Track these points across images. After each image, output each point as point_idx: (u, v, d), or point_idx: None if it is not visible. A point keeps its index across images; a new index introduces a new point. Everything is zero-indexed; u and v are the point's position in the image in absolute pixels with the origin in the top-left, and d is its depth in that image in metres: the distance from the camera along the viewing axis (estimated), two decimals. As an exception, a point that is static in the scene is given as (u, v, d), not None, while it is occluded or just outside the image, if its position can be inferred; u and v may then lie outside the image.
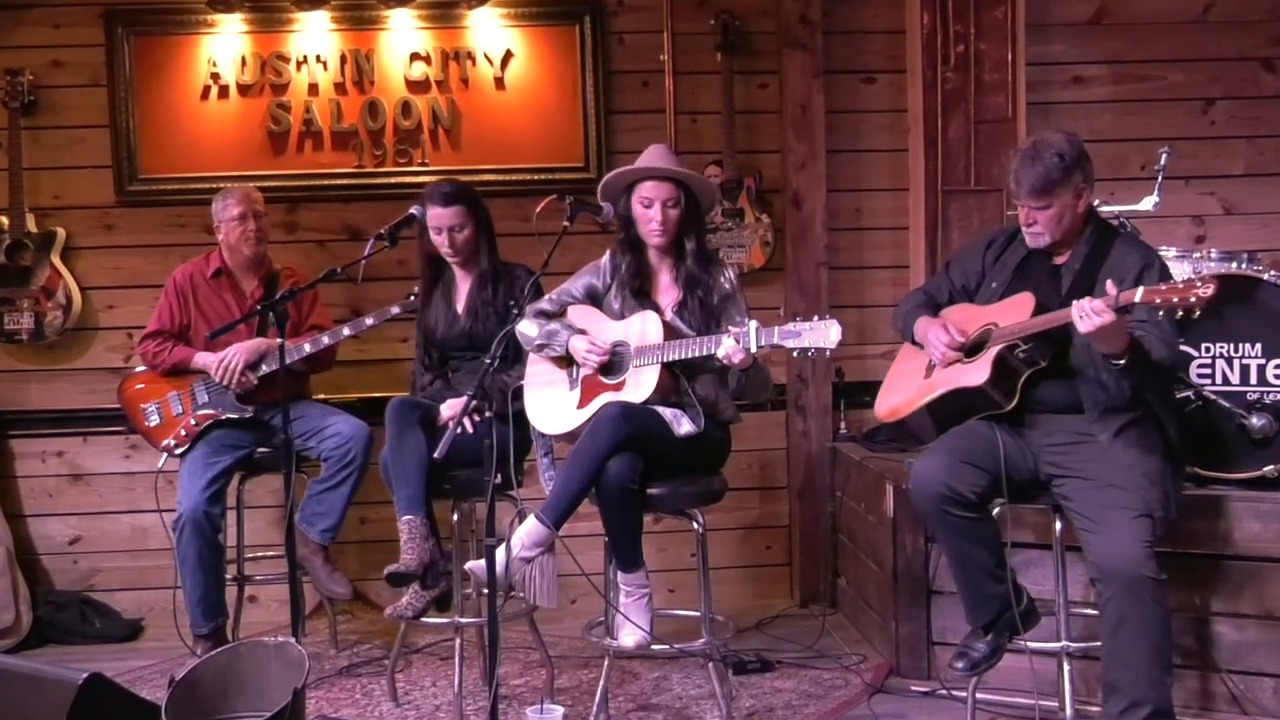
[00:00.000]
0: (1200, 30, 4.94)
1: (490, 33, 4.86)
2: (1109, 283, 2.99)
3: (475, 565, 3.41)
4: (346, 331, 4.14)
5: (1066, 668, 3.32)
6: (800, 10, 4.82)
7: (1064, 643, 3.34)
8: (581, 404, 3.59)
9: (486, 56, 4.87)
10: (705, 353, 3.43)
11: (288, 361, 3.74)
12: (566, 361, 3.68)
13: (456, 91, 4.87)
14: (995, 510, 3.31)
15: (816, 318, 3.30)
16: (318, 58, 4.83)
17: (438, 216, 3.89)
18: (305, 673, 3.00)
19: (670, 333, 3.53)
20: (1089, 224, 3.32)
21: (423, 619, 3.76)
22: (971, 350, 3.31)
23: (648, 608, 3.50)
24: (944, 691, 3.82)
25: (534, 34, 4.88)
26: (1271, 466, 3.61)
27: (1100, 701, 3.26)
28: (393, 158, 4.86)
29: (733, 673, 4.04)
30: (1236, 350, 3.71)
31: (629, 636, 3.46)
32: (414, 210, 3.89)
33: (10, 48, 4.77)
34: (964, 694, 3.48)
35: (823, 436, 4.92)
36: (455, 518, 3.81)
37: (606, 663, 3.56)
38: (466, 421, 3.65)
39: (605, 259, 3.77)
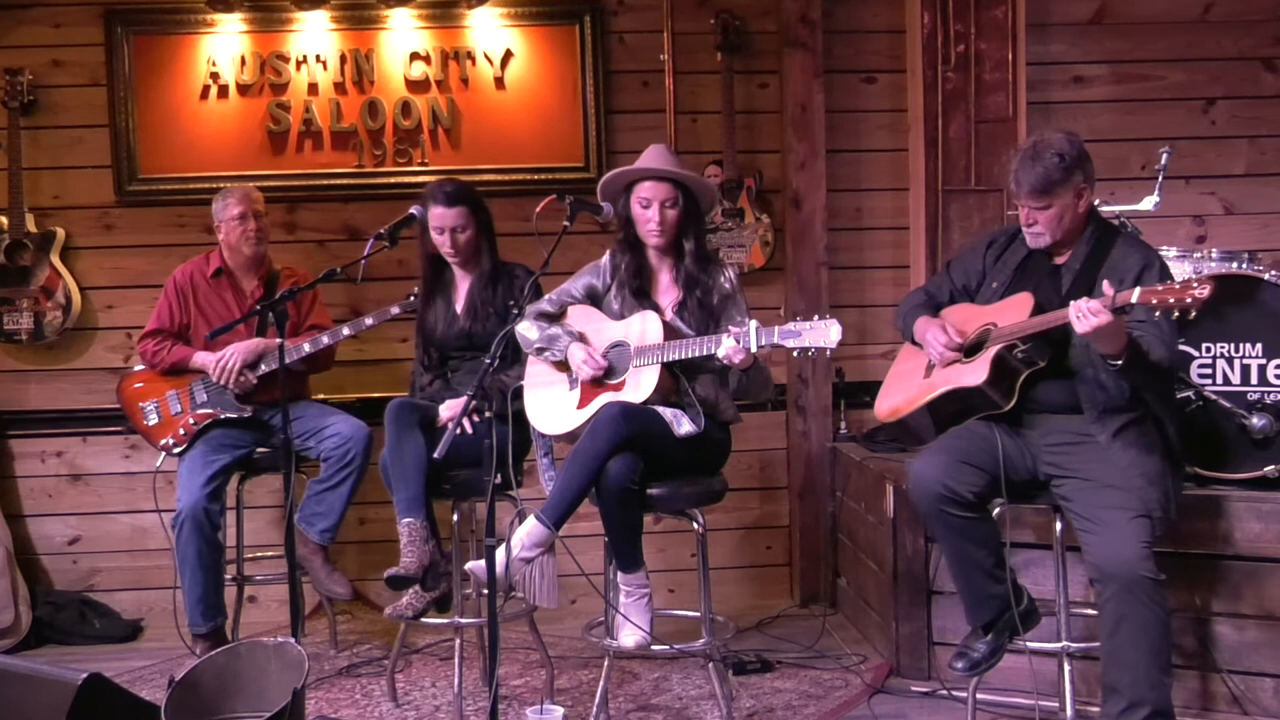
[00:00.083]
0: (1201, 30, 4.94)
1: (490, 32, 4.86)
2: (1105, 283, 2.98)
3: (475, 565, 3.41)
4: (346, 332, 4.14)
5: (1067, 668, 3.32)
6: (800, 10, 4.82)
7: (1064, 643, 3.33)
8: (581, 404, 3.59)
9: (486, 56, 4.86)
10: (705, 353, 3.43)
11: (287, 361, 3.74)
12: (567, 365, 3.67)
13: (456, 91, 4.86)
14: (995, 511, 3.30)
15: (816, 317, 3.30)
16: (317, 57, 4.82)
17: (440, 217, 3.89)
18: (305, 673, 3.00)
19: (670, 333, 3.53)
20: (1090, 224, 3.32)
21: (422, 619, 3.76)
22: (971, 350, 3.31)
23: (648, 608, 3.49)
24: (944, 692, 3.82)
25: (534, 34, 4.88)
26: (1272, 466, 3.61)
27: (1100, 702, 3.26)
28: (392, 157, 4.86)
29: (733, 673, 4.03)
30: (1237, 350, 3.71)
31: (629, 637, 3.46)
32: (414, 210, 3.88)
33: (10, 47, 4.77)
34: (964, 694, 3.48)
35: (823, 436, 4.91)
36: (455, 518, 3.81)
37: (606, 663, 3.56)
38: (466, 422, 3.65)
39: (605, 259, 3.77)
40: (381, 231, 3.82)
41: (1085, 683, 3.53)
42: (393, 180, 4.84)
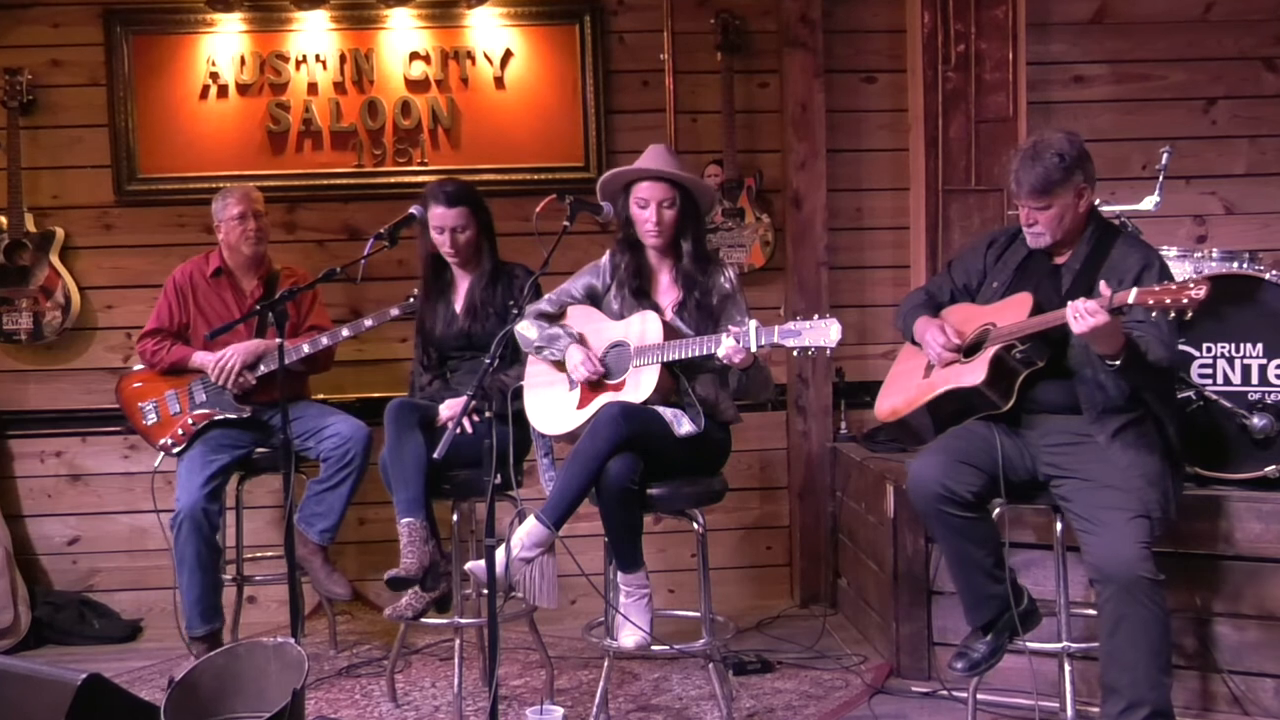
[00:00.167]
0: (1201, 29, 4.94)
1: (490, 32, 4.85)
2: (1103, 283, 2.98)
3: (475, 566, 3.40)
4: (345, 333, 4.14)
5: (1068, 668, 3.31)
6: (801, 9, 4.81)
7: (1065, 643, 3.33)
8: (581, 404, 3.58)
9: (486, 56, 4.86)
10: (705, 352, 3.42)
11: (286, 362, 3.73)
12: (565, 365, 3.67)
13: (456, 91, 4.86)
14: (995, 511, 3.30)
15: (816, 317, 3.29)
16: (317, 57, 4.82)
17: (440, 217, 3.88)
18: (304, 673, 2.99)
19: (670, 333, 3.53)
20: (1090, 224, 3.31)
21: (422, 620, 3.76)
22: (970, 350, 3.31)
23: (648, 608, 3.49)
24: (945, 692, 3.82)
25: (534, 33, 4.87)
26: (1273, 467, 3.61)
27: (1100, 703, 3.25)
28: (392, 157, 4.86)
29: (733, 673, 4.03)
30: (1238, 350, 3.70)
31: (629, 637, 3.45)
32: (414, 210, 3.88)
33: (9, 47, 4.76)
34: (965, 695, 3.48)
35: (823, 436, 4.91)
36: (455, 518, 3.81)
37: (606, 663, 3.56)
38: (466, 421, 3.64)
39: (605, 259, 3.77)
40: (381, 231, 3.81)
41: (1086, 683, 3.53)
42: (392, 180, 4.84)
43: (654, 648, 3.55)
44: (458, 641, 3.69)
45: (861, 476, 4.47)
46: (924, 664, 4.01)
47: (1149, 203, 3.97)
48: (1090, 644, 3.31)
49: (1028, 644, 3.32)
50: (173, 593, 4.09)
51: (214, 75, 4.78)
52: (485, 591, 3.28)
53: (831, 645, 4.38)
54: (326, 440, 4.12)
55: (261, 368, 4.15)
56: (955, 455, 3.24)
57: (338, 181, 4.86)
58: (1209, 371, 3.72)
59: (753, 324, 3.33)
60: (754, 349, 3.33)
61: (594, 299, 3.74)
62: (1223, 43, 4.94)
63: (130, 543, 4.85)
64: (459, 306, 3.99)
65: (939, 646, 3.97)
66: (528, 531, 3.36)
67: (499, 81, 4.87)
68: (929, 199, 4.67)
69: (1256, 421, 3.63)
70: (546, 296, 3.75)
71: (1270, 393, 3.67)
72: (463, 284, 4.01)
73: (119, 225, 4.84)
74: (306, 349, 4.12)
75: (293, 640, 3.26)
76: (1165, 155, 3.96)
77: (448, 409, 3.84)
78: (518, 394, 3.72)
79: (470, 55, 4.85)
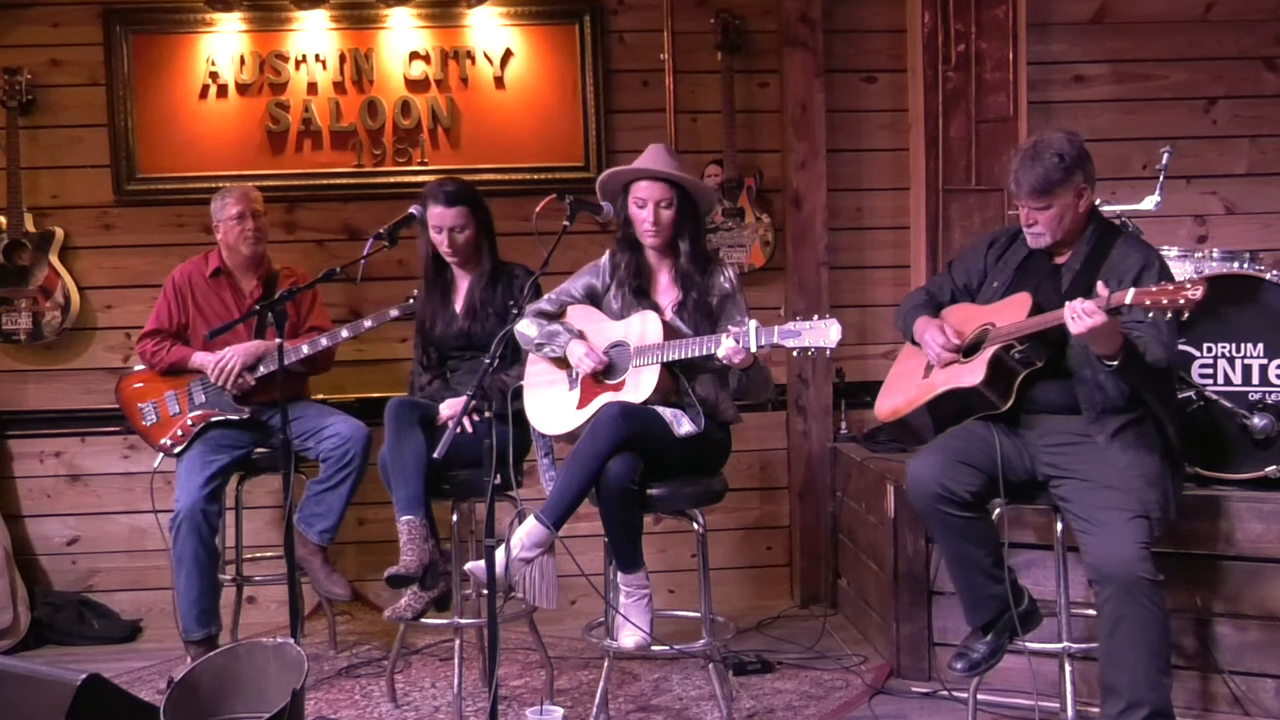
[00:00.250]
0: (1202, 29, 4.93)
1: (490, 32, 4.85)
2: (1100, 284, 2.98)
3: (475, 566, 3.40)
4: (345, 334, 4.13)
5: (1068, 669, 3.31)
6: (801, 9, 4.81)
7: (1065, 644, 3.32)
8: (581, 404, 3.58)
9: (486, 55, 4.86)
10: (705, 352, 3.42)
11: (285, 363, 3.73)
12: (566, 362, 3.66)
13: (456, 91, 4.86)
14: (995, 511, 3.30)
15: (816, 317, 3.29)
16: (317, 57, 4.82)
17: (439, 216, 3.88)
18: (304, 674, 2.99)
19: (670, 333, 3.52)
20: (1090, 223, 3.31)
21: (422, 620, 3.75)
22: (970, 350, 3.31)
23: (648, 608, 3.49)
24: (945, 693, 3.82)
25: (534, 33, 4.87)
26: (1273, 467, 3.60)
27: (1100, 703, 3.25)
28: (392, 157, 4.85)
29: (733, 674, 4.03)
30: (1238, 350, 3.70)
31: (629, 637, 3.45)
32: (414, 210, 3.87)
33: (8, 47, 4.76)
34: (965, 695, 3.48)
35: (823, 437, 4.91)
36: (455, 518, 3.80)
37: (606, 664, 3.55)
38: (466, 421, 3.64)
39: (604, 259, 3.76)
40: (381, 231, 3.81)
41: (1086, 683, 3.52)
42: (392, 180, 4.83)
43: (654, 648, 3.55)
44: (458, 642, 3.69)
45: (862, 476, 4.46)
46: (924, 664, 4.01)
47: (1149, 203, 3.97)
48: (1091, 644, 3.30)
49: (1028, 644, 3.32)
50: (172, 593, 4.08)
51: (214, 75, 4.78)
52: (485, 592, 3.27)
53: (832, 645, 4.37)
54: (326, 440, 4.11)
55: (261, 369, 4.15)
56: (954, 455, 3.24)
57: (337, 181, 4.85)
58: (1209, 371, 3.71)
59: (752, 324, 3.33)
60: (754, 349, 3.32)
61: (594, 299, 3.73)
62: (1223, 42, 4.93)
63: (130, 543, 4.84)
64: (459, 306, 3.99)
65: (939, 647, 3.97)
66: (527, 532, 3.36)
67: (499, 81, 4.87)
68: (929, 199, 4.67)
69: (1257, 421, 3.63)
70: (546, 296, 3.75)
71: (1271, 393, 3.66)
72: (463, 284, 4.01)
73: (118, 225, 4.84)
74: (306, 350, 4.12)
75: (292, 640, 3.26)
76: (1166, 155, 3.96)
77: (448, 408, 3.84)
78: (518, 394, 3.72)
79: (470, 55, 4.85)
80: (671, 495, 3.49)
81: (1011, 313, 3.26)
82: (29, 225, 4.71)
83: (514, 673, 4.19)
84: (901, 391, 3.49)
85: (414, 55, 4.84)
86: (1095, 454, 3.17)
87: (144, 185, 4.80)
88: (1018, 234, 3.41)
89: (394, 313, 4.04)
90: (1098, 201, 3.43)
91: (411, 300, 4.05)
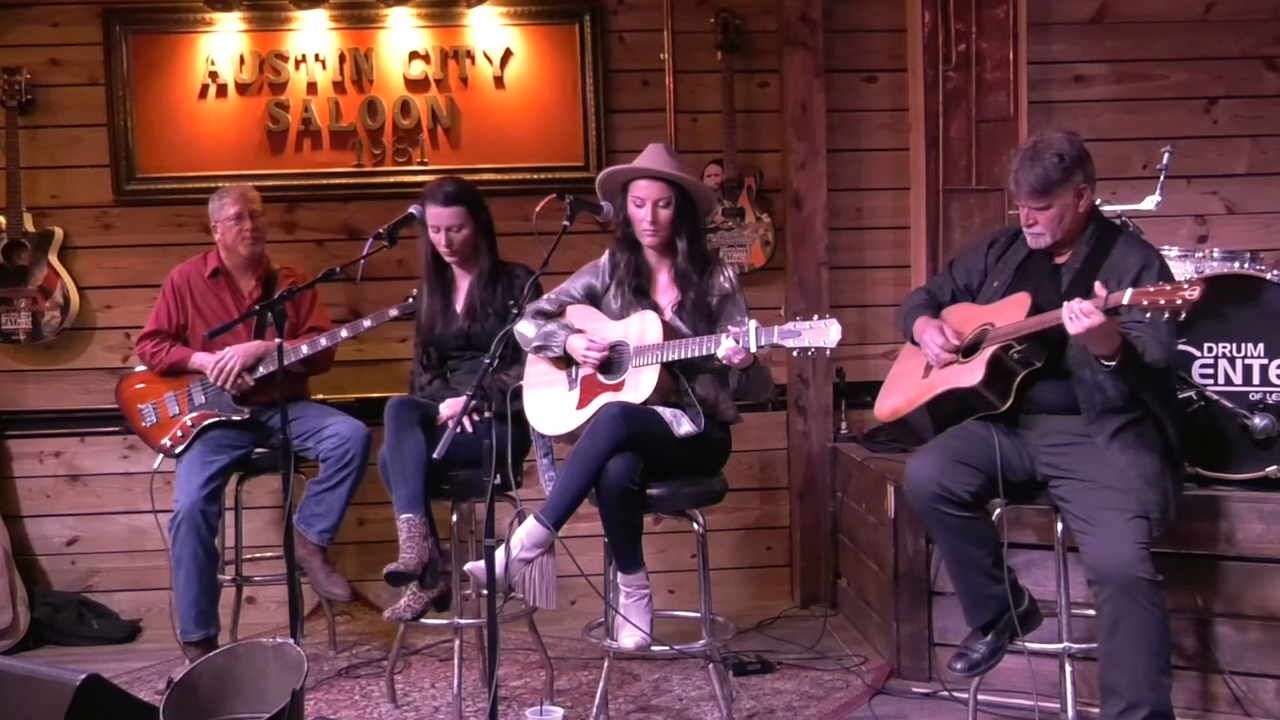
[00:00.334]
0: (1202, 29, 4.93)
1: (490, 31, 4.85)
2: (1098, 284, 2.98)
3: (475, 566, 3.40)
4: (344, 334, 4.13)
5: (1068, 669, 3.31)
6: (801, 9, 4.81)
7: (1065, 644, 3.32)
8: (581, 404, 3.58)
9: (486, 55, 4.86)
10: (705, 352, 3.42)
11: (285, 363, 3.73)
12: (566, 362, 3.66)
13: (456, 90, 4.85)
14: (995, 512, 3.29)
15: (816, 317, 3.29)
16: (316, 56, 4.81)
17: (437, 215, 3.88)
18: (304, 674, 2.99)
19: (670, 332, 3.52)
20: (1091, 223, 3.30)
21: (422, 620, 3.75)
22: (969, 350, 3.30)
23: (648, 609, 3.48)
24: (945, 693, 3.82)
25: (533, 33, 4.87)
26: (1274, 467, 3.60)
27: (1100, 703, 3.25)
28: (392, 157, 4.85)
29: (733, 674, 4.02)
30: (1239, 350, 3.70)
31: (629, 638, 3.45)
32: (413, 209, 3.87)
33: (8, 46, 4.75)
34: (965, 695, 3.48)
35: (823, 437, 4.90)
36: (454, 518, 3.80)
37: (606, 664, 3.55)
38: (466, 421, 3.64)
39: (604, 258, 3.76)
40: (380, 231, 3.81)
41: (1086, 684, 3.52)
42: (392, 180, 4.83)
43: (654, 648, 3.54)
44: (457, 642, 3.68)
45: (862, 477, 4.46)
46: (924, 664, 4.00)
47: (1150, 202, 3.97)
48: (1091, 645, 3.30)
49: (1028, 645, 3.31)
50: (172, 593, 4.08)
51: (213, 75, 4.78)
52: (485, 592, 3.27)
53: (832, 646, 4.37)
54: (326, 441, 4.11)
55: (260, 369, 4.14)
56: (953, 455, 3.24)
57: (337, 181, 4.85)
58: (1210, 371, 3.71)
59: (752, 324, 3.33)
60: (754, 349, 3.32)
61: (593, 299, 3.73)
62: (1223, 42, 4.93)
63: (129, 543, 4.84)
64: (459, 306, 3.98)
65: (939, 647, 3.96)
66: (527, 532, 3.35)
67: (499, 81, 4.86)
68: (929, 199, 4.67)
69: (1257, 422, 3.62)
70: (546, 296, 3.75)
71: (1271, 393, 3.66)
72: (463, 284, 4.01)
73: (118, 225, 4.83)
74: (305, 350, 4.11)
75: (292, 641, 3.25)
76: (1166, 155, 3.96)
77: (448, 408, 3.84)
78: (517, 394, 3.72)
79: (470, 55, 4.85)
80: (671, 495, 3.48)
81: (1011, 313, 3.26)
82: (28, 225, 4.71)
83: (514, 673, 4.19)
84: (901, 391, 3.49)
85: (414, 55, 4.84)
86: (1094, 454, 3.17)
87: (143, 185, 4.80)
88: (1018, 234, 3.41)
89: (393, 313, 4.04)
90: (1098, 201, 3.43)
91: (411, 300, 4.05)
